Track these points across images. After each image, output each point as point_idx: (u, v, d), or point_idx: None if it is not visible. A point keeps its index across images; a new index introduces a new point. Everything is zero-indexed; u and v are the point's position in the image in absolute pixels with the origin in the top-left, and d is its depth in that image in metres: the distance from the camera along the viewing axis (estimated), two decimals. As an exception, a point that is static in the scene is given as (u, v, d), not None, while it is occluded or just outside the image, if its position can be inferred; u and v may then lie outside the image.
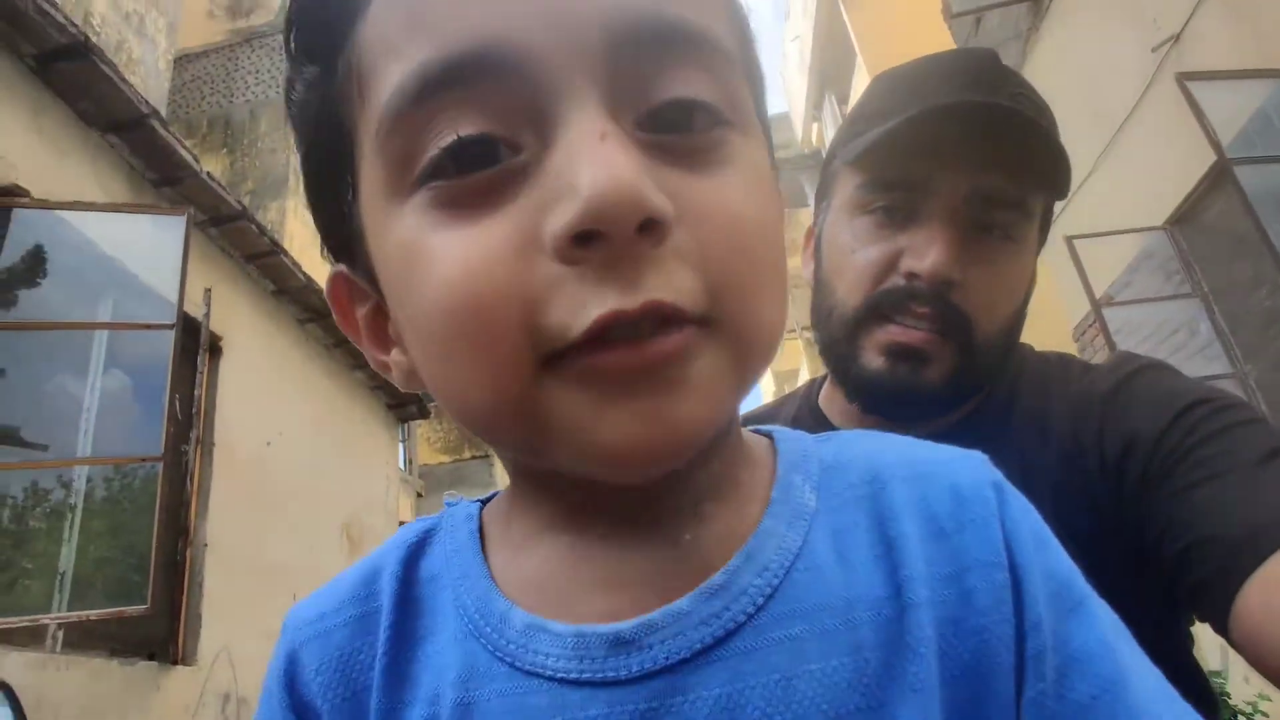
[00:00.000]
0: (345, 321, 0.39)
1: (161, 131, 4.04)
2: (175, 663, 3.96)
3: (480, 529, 0.40)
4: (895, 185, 0.68)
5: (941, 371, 0.67)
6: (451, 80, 0.28)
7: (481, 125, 0.29)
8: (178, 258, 3.72)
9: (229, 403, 4.74)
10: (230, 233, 4.78)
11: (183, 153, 4.21)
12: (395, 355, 0.37)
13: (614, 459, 0.29)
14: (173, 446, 3.72)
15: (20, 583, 3.52)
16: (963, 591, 0.34)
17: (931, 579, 0.34)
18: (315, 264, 8.84)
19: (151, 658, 3.84)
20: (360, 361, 6.34)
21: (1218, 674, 3.41)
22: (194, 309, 4.25)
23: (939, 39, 6.73)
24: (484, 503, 0.42)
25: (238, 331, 4.97)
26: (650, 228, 0.27)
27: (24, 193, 3.49)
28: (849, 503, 0.36)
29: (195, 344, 4.28)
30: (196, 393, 4.26)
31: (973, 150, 0.65)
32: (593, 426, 0.28)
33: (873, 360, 0.68)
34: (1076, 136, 5.09)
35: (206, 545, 4.31)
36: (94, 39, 6.25)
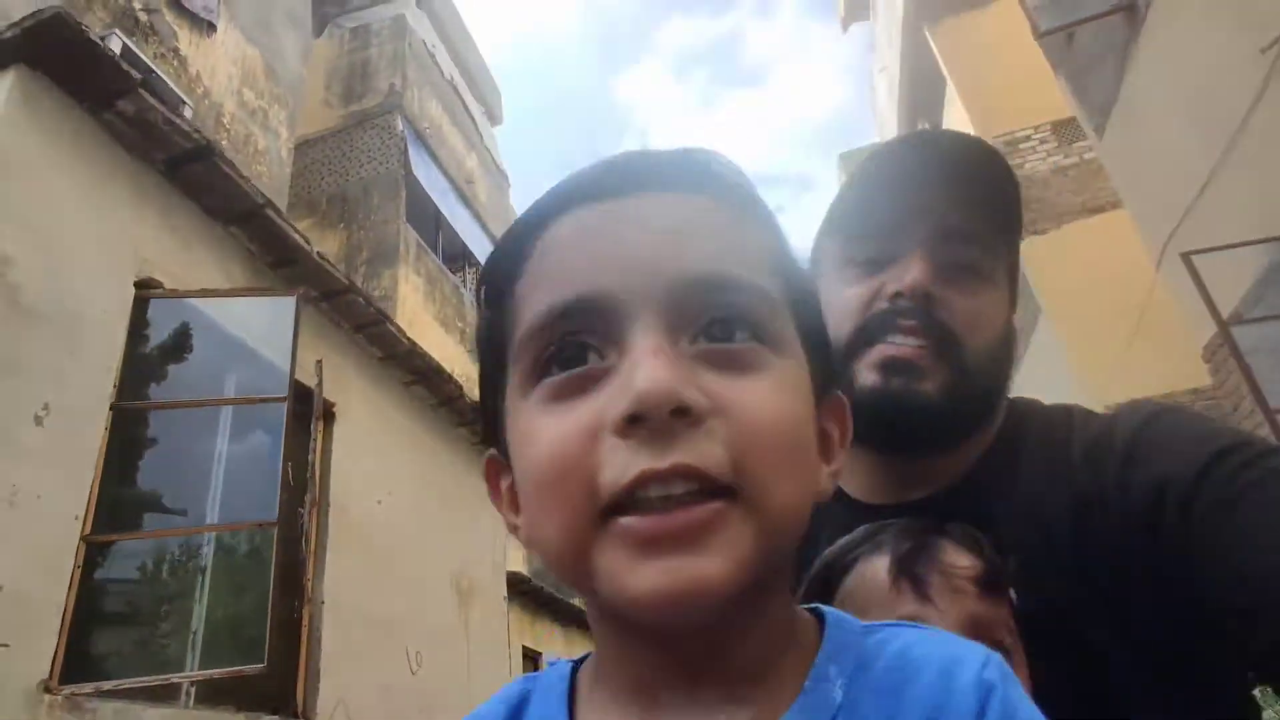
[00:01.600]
0: (494, 493, 0.48)
1: (276, 219, 4.42)
2: (296, 716, 4.17)
3: (572, 689, 0.45)
4: (871, 234, 0.75)
5: (936, 385, 0.69)
6: (565, 313, 0.40)
7: (580, 338, 0.40)
8: (290, 334, 4.02)
9: (342, 465, 5.03)
10: (340, 305, 5.13)
11: (295, 236, 4.58)
12: (519, 519, 0.45)
13: (642, 605, 0.36)
14: (287, 511, 3.97)
15: (159, 641, 3.81)
16: None
17: None
18: (421, 329, 9.34)
19: (275, 713, 4.06)
20: (463, 419, 6.58)
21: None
22: (309, 379, 4.56)
23: (1029, 59, 6.47)
24: (578, 663, 0.48)
25: (349, 397, 5.29)
26: (682, 413, 0.36)
27: (158, 284, 3.88)
28: (869, 697, 0.39)
29: (310, 411, 4.59)
30: (310, 458, 4.55)
31: (936, 194, 0.72)
32: (626, 576, 0.36)
33: (867, 378, 0.70)
34: (1187, 148, 4.75)
35: (323, 603, 4.55)
36: (224, 134, 6.91)
